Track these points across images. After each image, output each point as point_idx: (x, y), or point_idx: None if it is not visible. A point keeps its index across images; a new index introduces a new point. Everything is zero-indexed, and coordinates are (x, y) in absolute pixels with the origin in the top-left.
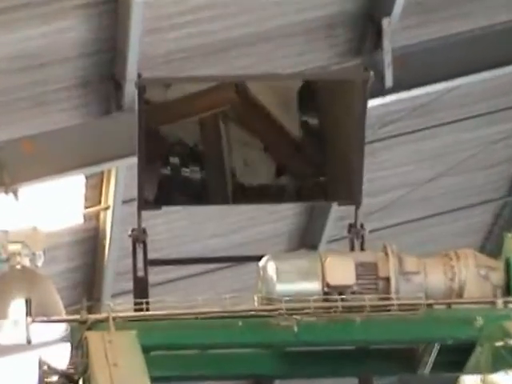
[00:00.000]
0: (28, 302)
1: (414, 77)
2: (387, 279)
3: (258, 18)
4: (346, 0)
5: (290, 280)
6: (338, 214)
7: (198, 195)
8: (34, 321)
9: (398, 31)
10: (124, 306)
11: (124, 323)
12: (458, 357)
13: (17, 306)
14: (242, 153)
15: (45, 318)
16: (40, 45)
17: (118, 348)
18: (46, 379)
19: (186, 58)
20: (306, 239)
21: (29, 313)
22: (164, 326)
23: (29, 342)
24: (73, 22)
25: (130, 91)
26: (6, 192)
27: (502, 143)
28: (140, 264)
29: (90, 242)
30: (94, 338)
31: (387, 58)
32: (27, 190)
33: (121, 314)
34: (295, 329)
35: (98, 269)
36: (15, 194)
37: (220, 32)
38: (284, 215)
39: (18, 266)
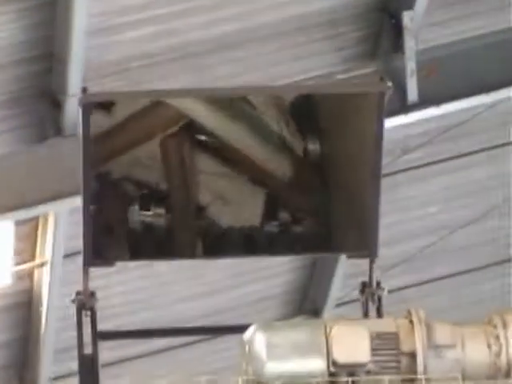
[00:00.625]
0: None
1: (444, 89)
2: (412, 355)
3: (243, 12)
4: None
5: (284, 357)
6: (347, 270)
7: (161, 246)
8: None
9: (424, 29)
10: None
11: None
12: None
13: None
14: (218, 188)
15: None
16: None
17: None
18: None
19: (146, 66)
20: (306, 303)
21: None
22: None
23: None
24: None
25: (72, 111)
26: None
27: None
28: (87, 338)
29: (22, 309)
30: None
31: (410, 64)
32: None
33: None
34: None
35: (32, 344)
36: None
37: (193, 31)
38: (276, 272)
39: None
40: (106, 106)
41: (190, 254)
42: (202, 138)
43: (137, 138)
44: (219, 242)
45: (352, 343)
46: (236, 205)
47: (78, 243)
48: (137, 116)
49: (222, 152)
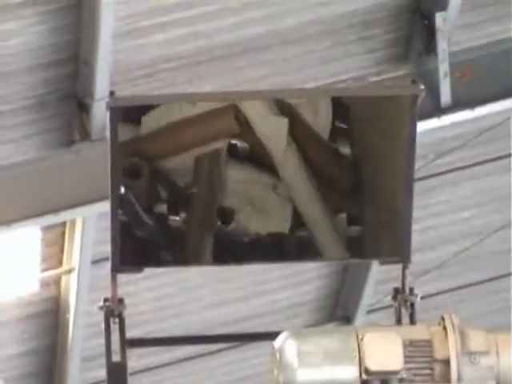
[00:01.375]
0: None
1: (479, 91)
2: (446, 362)
3: (270, 14)
4: None
5: (315, 365)
6: (379, 276)
7: (190, 253)
8: None
9: (457, 30)
10: None
11: None
12: None
13: None
14: (248, 195)
15: None
16: None
17: None
18: None
19: (172, 70)
20: (337, 309)
21: None
22: None
23: None
24: (20, 23)
25: (99, 115)
26: None
27: None
28: (115, 346)
29: (48, 317)
30: None
31: (443, 66)
32: None
33: None
34: None
35: (58, 353)
36: None
37: (219, 33)
38: (307, 278)
39: None
40: (138, 109)
41: (220, 261)
42: (237, 143)
43: (170, 145)
44: (249, 248)
45: (384, 351)
46: (266, 210)
47: (106, 249)
48: (172, 123)
49: (254, 158)
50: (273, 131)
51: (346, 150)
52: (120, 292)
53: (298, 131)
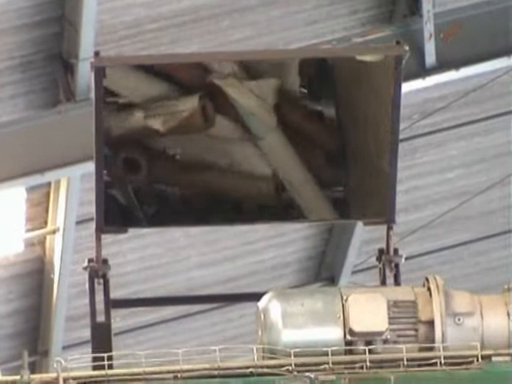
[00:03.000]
0: None
1: (464, 52)
2: (430, 323)
3: None
4: None
5: (300, 326)
6: (363, 237)
7: (175, 213)
8: None
9: None
10: (79, 363)
11: None
12: None
13: None
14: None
15: None
16: None
17: None
18: None
19: (159, 30)
20: (322, 270)
21: None
22: None
23: None
24: None
25: (85, 75)
26: None
27: None
28: (100, 306)
29: (34, 277)
30: None
31: (428, 26)
32: None
33: (75, 374)
34: None
35: (43, 312)
36: None
37: None
38: (292, 239)
39: None
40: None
41: (205, 221)
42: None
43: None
44: (234, 209)
45: (369, 312)
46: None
47: (91, 209)
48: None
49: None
50: (253, 97)
51: (330, 111)
52: (105, 252)
53: (278, 94)
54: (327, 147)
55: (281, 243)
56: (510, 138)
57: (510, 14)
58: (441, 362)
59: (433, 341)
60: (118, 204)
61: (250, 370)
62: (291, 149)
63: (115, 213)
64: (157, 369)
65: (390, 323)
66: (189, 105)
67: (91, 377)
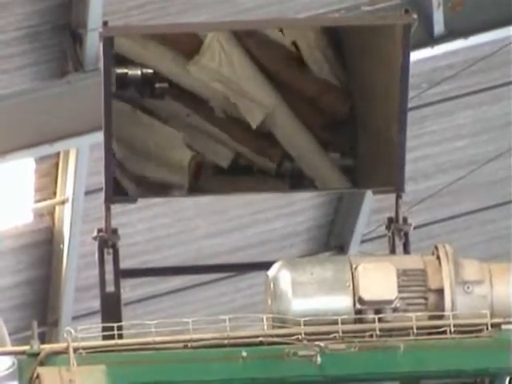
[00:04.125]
0: None
1: (472, 20)
2: (440, 291)
3: None
4: None
5: (309, 295)
6: (372, 206)
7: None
8: None
9: None
10: (89, 333)
11: (89, 356)
12: None
13: None
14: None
15: None
16: None
17: None
18: None
19: (166, 0)
20: (331, 239)
21: None
22: (142, 358)
23: None
24: None
25: (93, 45)
26: None
27: None
28: (109, 276)
29: (43, 248)
30: (49, 375)
31: None
32: None
33: (85, 344)
34: (318, 360)
35: (53, 283)
36: None
37: None
38: (301, 208)
39: None
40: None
41: (214, 190)
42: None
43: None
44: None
45: (378, 280)
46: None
47: (100, 180)
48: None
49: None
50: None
51: (338, 80)
52: (114, 223)
53: (285, 63)
54: (336, 116)
55: (290, 212)
56: None
57: None
58: (450, 331)
59: (442, 309)
60: (127, 174)
61: (260, 339)
62: (298, 120)
63: (124, 183)
64: (166, 338)
65: (399, 292)
66: None
67: (101, 346)
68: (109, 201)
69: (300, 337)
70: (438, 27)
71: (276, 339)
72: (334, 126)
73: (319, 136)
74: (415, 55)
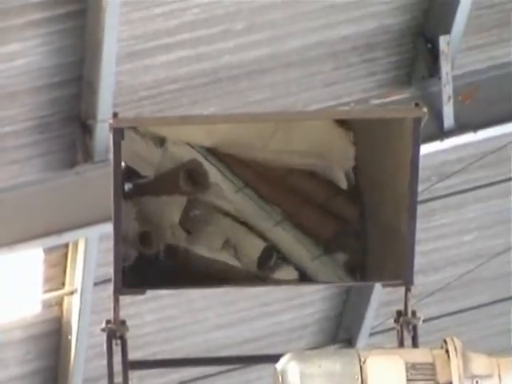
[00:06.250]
0: None
1: (482, 114)
2: None
3: (273, 36)
4: (388, 12)
5: None
6: (381, 298)
7: (195, 274)
8: None
9: (461, 53)
10: None
11: None
12: None
13: None
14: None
15: None
16: None
17: None
18: None
19: (177, 91)
20: (340, 332)
21: None
22: None
23: None
24: (23, 44)
25: (103, 136)
26: None
27: None
28: (117, 367)
29: (51, 338)
30: None
31: (447, 89)
32: None
33: None
34: None
35: (61, 374)
36: None
37: (223, 56)
38: (310, 300)
39: None
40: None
41: (223, 282)
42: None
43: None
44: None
45: (387, 374)
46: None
47: (109, 271)
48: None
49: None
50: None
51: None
52: (122, 314)
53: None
54: (345, 210)
55: (298, 305)
56: None
57: None
58: None
59: None
60: (136, 265)
61: None
62: (303, 232)
63: (133, 274)
64: None
65: None
66: None
67: None
68: (118, 292)
69: None
70: (448, 121)
71: None
72: (342, 220)
73: (327, 241)
74: (425, 148)
